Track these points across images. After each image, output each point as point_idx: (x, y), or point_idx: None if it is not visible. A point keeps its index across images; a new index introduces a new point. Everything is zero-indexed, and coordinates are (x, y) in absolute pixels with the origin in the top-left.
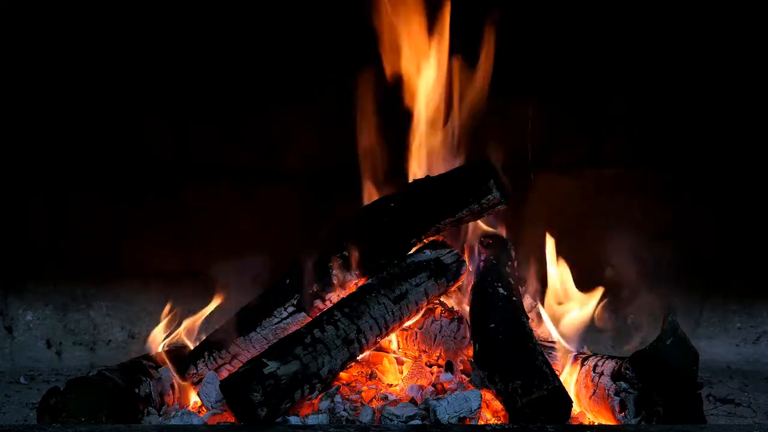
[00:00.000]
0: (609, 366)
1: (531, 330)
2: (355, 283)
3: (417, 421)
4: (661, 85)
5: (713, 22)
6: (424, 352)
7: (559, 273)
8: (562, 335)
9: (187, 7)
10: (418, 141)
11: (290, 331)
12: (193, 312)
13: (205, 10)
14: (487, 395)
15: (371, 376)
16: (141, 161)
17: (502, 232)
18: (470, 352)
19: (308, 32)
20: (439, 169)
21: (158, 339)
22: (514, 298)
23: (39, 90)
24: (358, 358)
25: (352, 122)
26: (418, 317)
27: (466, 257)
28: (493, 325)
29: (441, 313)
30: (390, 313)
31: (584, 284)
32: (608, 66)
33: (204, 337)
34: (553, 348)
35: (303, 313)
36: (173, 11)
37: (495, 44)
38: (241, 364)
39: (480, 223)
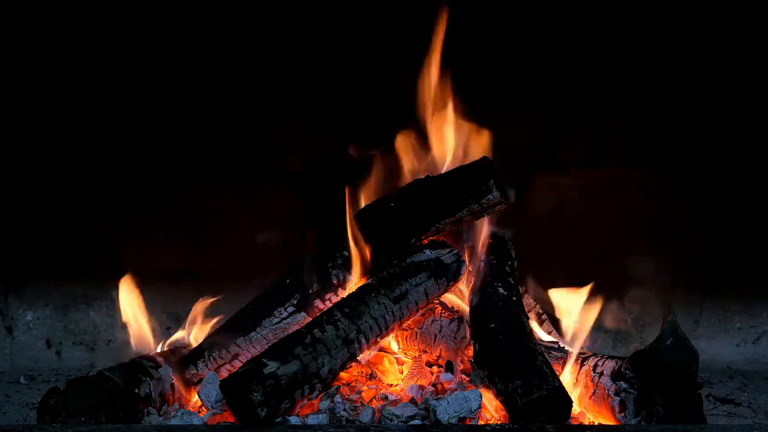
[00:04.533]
0: (609, 366)
1: (531, 330)
2: (355, 283)
3: (417, 421)
4: (661, 85)
5: (715, 20)
6: (424, 352)
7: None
8: (562, 336)
9: (188, 10)
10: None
11: (290, 331)
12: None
13: (206, 14)
14: (487, 395)
15: (371, 376)
16: (141, 161)
17: (502, 232)
18: (470, 352)
19: (308, 34)
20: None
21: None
22: (514, 298)
23: (41, 91)
24: (358, 358)
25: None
26: (417, 317)
27: (466, 257)
28: (493, 325)
29: (441, 313)
30: (390, 313)
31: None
32: (609, 66)
33: (204, 337)
34: (553, 348)
35: (303, 313)
36: (174, 13)
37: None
38: (241, 364)
39: (480, 222)
